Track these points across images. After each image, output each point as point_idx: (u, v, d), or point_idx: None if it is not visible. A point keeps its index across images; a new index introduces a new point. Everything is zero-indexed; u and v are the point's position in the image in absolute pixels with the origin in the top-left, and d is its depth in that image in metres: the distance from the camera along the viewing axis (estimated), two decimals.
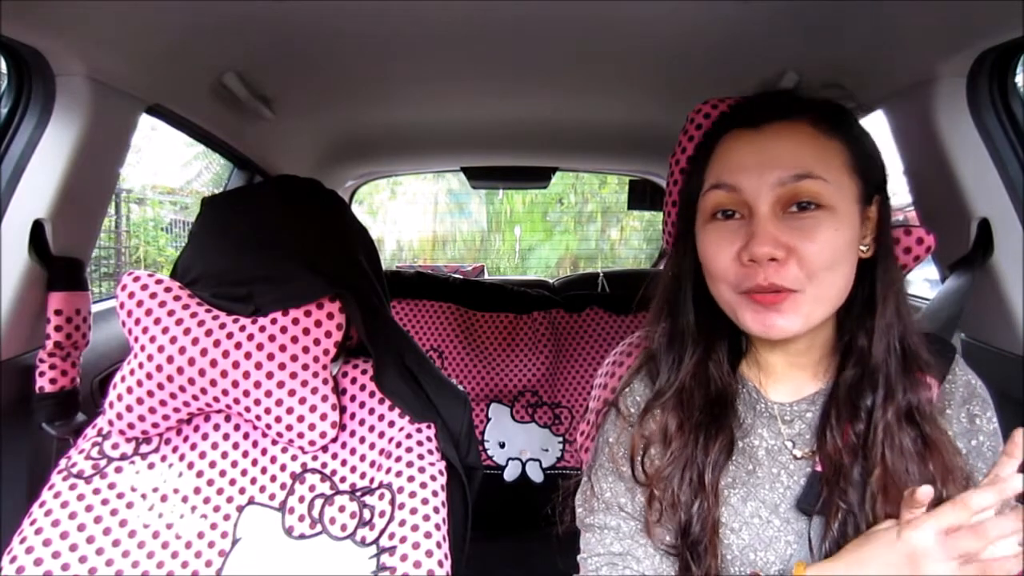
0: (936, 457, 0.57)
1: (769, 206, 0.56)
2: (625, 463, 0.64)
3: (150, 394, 0.70)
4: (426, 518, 0.66)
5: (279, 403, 0.69)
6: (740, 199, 0.57)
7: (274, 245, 0.73)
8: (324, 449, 0.73)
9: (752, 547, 0.60)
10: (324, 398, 0.70)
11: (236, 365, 0.68)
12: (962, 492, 0.55)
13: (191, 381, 0.68)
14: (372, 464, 0.71)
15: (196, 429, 0.76)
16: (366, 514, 0.68)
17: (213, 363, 0.68)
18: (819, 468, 0.60)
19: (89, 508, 0.71)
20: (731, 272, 0.57)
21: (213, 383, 0.68)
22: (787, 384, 0.65)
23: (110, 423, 0.73)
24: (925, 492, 0.50)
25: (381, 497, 0.68)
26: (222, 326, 0.69)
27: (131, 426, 0.72)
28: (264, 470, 0.73)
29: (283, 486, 0.72)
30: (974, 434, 0.62)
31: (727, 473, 0.62)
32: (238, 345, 0.68)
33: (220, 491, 0.73)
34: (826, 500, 0.59)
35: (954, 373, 0.64)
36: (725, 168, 0.59)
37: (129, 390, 0.70)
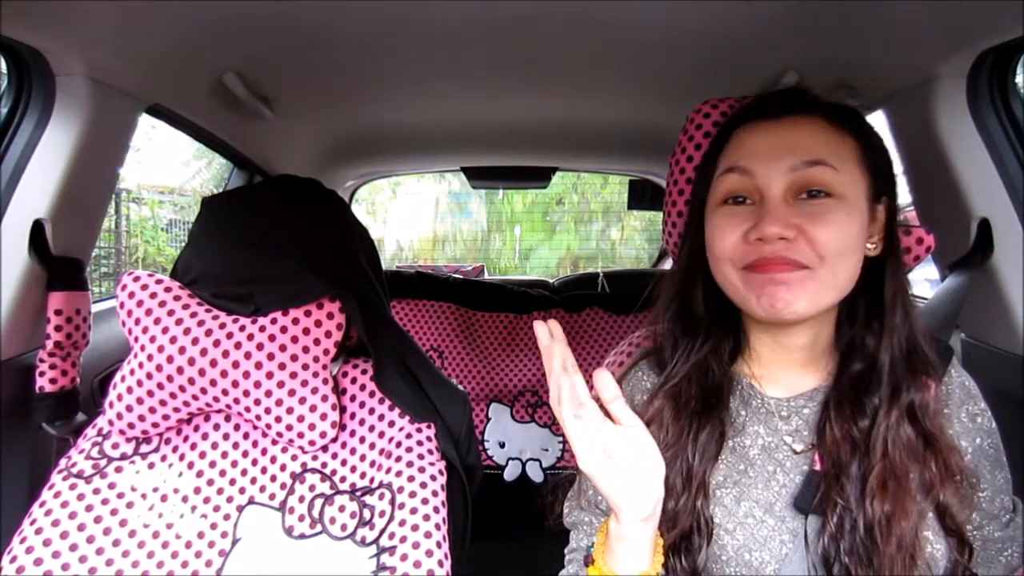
0: (935, 455, 0.57)
1: (781, 191, 0.57)
2: None
3: (150, 394, 0.70)
4: (426, 518, 0.66)
5: (279, 403, 0.69)
6: (752, 184, 0.58)
7: (274, 245, 0.73)
8: (324, 449, 0.73)
9: (747, 547, 0.60)
10: (324, 398, 0.70)
11: (236, 365, 0.68)
12: (960, 488, 0.56)
13: (191, 381, 0.68)
14: (372, 464, 0.71)
15: (196, 429, 0.76)
16: (366, 514, 0.68)
17: (213, 363, 0.68)
18: (817, 466, 0.60)
19: (89, 508, 0.71)
20: (736, 250, 0.58)
21: (213, 383, 0.68)
22: (783, 381, 0.65)
23: (110, 423, 0.73)
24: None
25: (381, 497, 0.68)
26: (222, 326, 0.69)
27: (131, 426, 0.72)
28: (264, 470, 0.73)
29: (283, 486, 0.72)
30: (976, 433, 0.62)
31: (718, 472, 0.62)
32: (238, 345, 0.68)
33: (220, 491, 0.73)
34: (823, 497, 0.59)
35: (950, 375, 0.64)
36: (739, 154, 0.60)
37: (129, 390, 0.70)
